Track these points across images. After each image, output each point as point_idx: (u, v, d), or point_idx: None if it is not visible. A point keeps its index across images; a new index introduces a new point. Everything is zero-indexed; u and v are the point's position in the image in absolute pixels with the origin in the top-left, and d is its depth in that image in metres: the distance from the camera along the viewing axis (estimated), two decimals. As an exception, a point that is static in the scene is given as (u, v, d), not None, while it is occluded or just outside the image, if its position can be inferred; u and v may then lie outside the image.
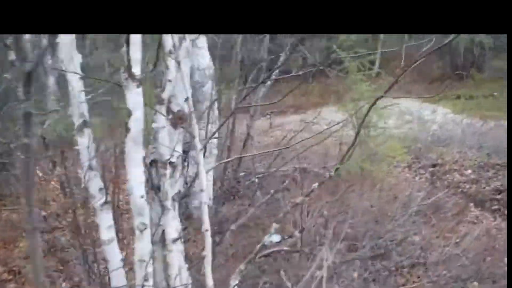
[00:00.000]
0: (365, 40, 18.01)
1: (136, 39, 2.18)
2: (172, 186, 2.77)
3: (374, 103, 2.89)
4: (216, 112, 5.29)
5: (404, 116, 11.00)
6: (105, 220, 2.54)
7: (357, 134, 2.77)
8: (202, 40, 5.00)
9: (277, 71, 5.95)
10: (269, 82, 6.07)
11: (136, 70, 2.20)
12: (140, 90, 2.24)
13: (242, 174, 6.39)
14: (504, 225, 5.08)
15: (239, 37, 6.87)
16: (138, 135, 2.30)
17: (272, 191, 3.96)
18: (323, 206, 4.86)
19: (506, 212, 5.26)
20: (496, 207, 5.45)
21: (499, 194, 5.65)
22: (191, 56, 5.10)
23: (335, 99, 14.42)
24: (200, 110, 5.15)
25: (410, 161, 7.50)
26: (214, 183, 5.96)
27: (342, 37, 6.09)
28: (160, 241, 2.84)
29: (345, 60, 5.93)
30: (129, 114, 2.24)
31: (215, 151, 5.35)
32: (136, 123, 2.27)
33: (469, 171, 6.46)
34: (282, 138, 6.73)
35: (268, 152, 5.43)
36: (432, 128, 9.14)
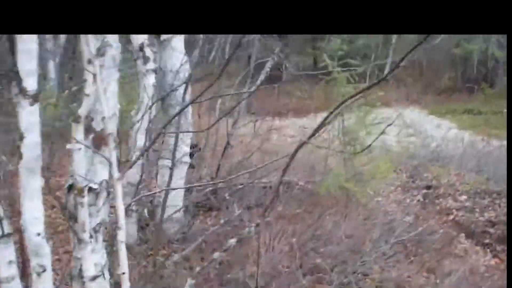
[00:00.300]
0: (376, 45, 17.56)
1: (27, 46, 1.79)
2: (93, 216, 2.40)
3: (325, 120, 2.46)
4: (190, 118, 4.91)
5: (407, 129, 10.55)
6: (4, 255, 2.17)
7: (296, 150, 2.33)
8: (177, 40, 4.61)
9: (262, 77, 5.58)
10: (253, 88, 5.67)
11: (29, 84, 1.82)
12: (35, 108, 1.86)
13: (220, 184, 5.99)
14: (493, 263, 4.66)
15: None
16: (34, 162, 1.92)
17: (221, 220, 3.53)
18: (294, 231, 4.48)
19: (497, 248, 4.84)
20: (487, 241, 5.01)
21: (492, 226, 5.20)
22: (164, 57, 4.76)
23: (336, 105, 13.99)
24: (171, 115, 4.78)
25: (404, 180, 7.07)
26: (188, 193, 5.60)
27: (336, 45, 5.63)
28: (79, 277, 2.49)
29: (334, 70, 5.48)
30: (20, 137, 1.86)
31: (185, 159, 4.95)
32: (30, 147, 1.89)
33: (464, 197, 6.02)
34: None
35: (242, 174, 5.01)
36: (432, 145, 8.68)
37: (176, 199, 5.05)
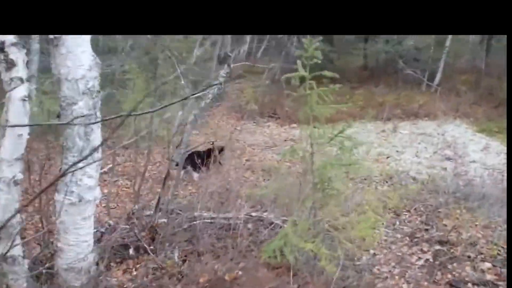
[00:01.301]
0: (427, 46, 15.51)
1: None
2: None
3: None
4: (98, 141, 3.65)
5: (445, 151, 8.79)
6: None
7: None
8: (75, 38, 3.35)
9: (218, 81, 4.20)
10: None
11: None
12: None
13: (163, 220, 4.69)
14: None
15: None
16: None
17: None
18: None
19: None
20: None
21: (517, 322, 3.59)
22: (58, 61, 3.51)
23: (374, 113, 12.26)
24: (67, 139, 3.55)
25: (417, 225, 5.48)
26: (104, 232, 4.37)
27: (309, 49, 4.07)
28: None
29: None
30: None
31: (89, 196, 3.71)
32: None
33: (488, 264, 4.38)
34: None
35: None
36: (468, 175, 6.96)
37: (84, 240, 3.84)
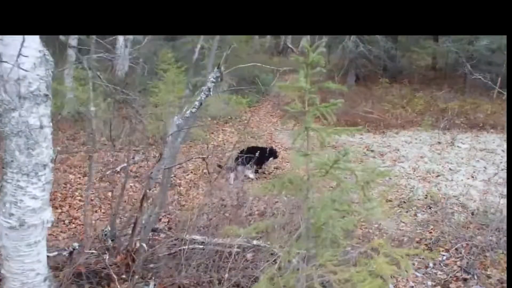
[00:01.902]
0: (502, 48, 13.85)
1: None
2: None
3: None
4: (47, 156, 3.04)
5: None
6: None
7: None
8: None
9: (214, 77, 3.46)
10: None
11: None
12: None
13: (140, 245, 4.03)
14: None
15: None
16: None
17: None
18: None
19: None
20: None
21: None
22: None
23: (432, 120, 11.03)
24: (6, 151, 2.96)
25: (454, 271, 4.52)
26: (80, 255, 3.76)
27: (313, 55, 3.19)
28: None
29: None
30: None
31: (33, 220, 3.11)
32: None
33: None
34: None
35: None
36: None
37: (31, 268, 3.27)
